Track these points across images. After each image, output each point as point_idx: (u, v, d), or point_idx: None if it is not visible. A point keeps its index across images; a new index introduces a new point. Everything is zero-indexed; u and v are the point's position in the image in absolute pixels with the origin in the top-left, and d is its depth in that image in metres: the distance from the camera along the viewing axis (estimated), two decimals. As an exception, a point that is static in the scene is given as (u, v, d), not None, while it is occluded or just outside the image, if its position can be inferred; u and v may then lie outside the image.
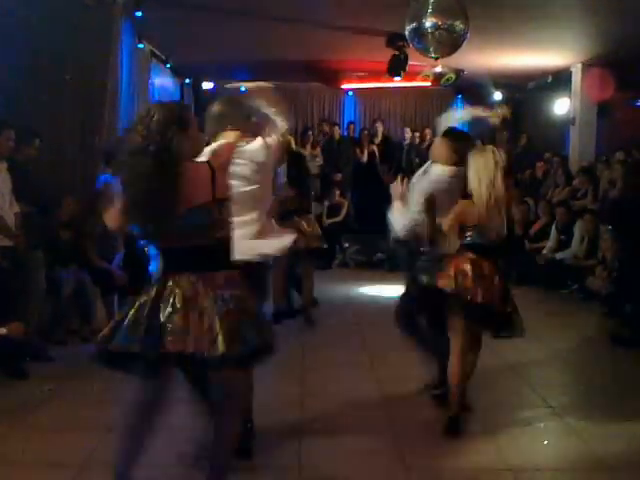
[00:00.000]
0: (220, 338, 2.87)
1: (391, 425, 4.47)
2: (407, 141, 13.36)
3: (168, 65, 11.95)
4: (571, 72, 12.04)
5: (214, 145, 3.40)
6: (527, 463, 3.97)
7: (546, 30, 9.21)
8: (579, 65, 11.73)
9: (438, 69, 12.28)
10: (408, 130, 13.49)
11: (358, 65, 12.73)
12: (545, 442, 4.33)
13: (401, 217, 4.49)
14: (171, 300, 2.92)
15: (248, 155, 3.78)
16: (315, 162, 12.12)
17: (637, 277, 6.81)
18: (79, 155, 7.80)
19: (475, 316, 4.23)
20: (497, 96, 13.76)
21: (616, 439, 4.28)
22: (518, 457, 4.03)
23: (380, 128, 13.40)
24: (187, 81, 13.60)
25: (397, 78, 10.98)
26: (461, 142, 4.62)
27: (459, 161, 4.48)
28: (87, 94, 7.90)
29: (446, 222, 4.21)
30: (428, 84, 13.39)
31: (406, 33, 7.34)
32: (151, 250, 6.00)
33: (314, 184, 8.10)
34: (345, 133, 13.80)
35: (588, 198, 9.99)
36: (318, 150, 12.67)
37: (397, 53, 10.27)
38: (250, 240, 3.72)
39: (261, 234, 3.79)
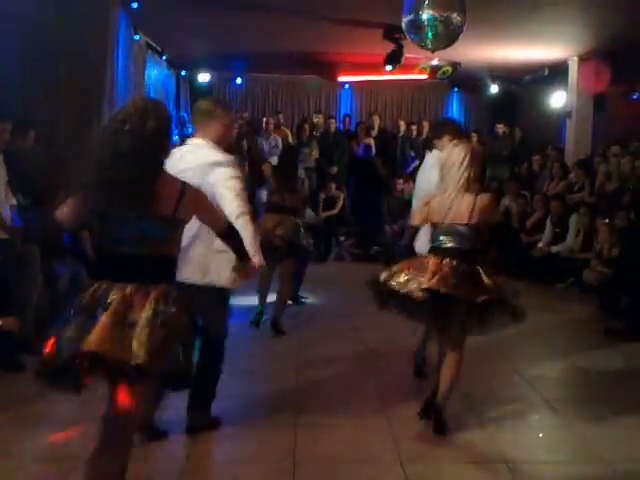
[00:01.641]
0: (142, 350, 2.68)
1: (388, 420, 4.47)
2: (401, 134, 13.31)
3: (164, 57, 11.92)
4: (568, 65, 12.03)
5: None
6: (522, 456, 3.99)
7: (543, 23, 9.20)
8: (575, 58, 11.72)
9: (435, 62, 12.26)
10: (402, 122, 13.44)
11: (355, 58, 12.70)
12: (540, 435, 4.36)
13: None
14: (99, 310, 2.74)
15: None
16: (311, 155, 12.12)
17: (635, 269, 6.86)
18: (75, 148, 7.77)
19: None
20: (493, 89, 13.77)
21: (611, 431, 4.30)
22: (513, 450, 4.04)
23: (377, 121, 13.37)
24: (183, 73, 13.59)
25: (388, 68, 10.90)
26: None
27: None
28: (83, 86, 7.88)
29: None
30: (425, 77, 13.37)
31: (403, 25, 7.32)
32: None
33: (305, 182, 8.03)
34: (341, 126, 13.77)
35: (585, 192, 10.01)
36: (314, 143, 12.64)
37: (395, 48, 10.24)
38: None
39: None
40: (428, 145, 5.34)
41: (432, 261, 4.13)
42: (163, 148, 2.92)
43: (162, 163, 2.90)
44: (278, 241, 6.43)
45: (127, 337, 2.70)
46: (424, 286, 4.01)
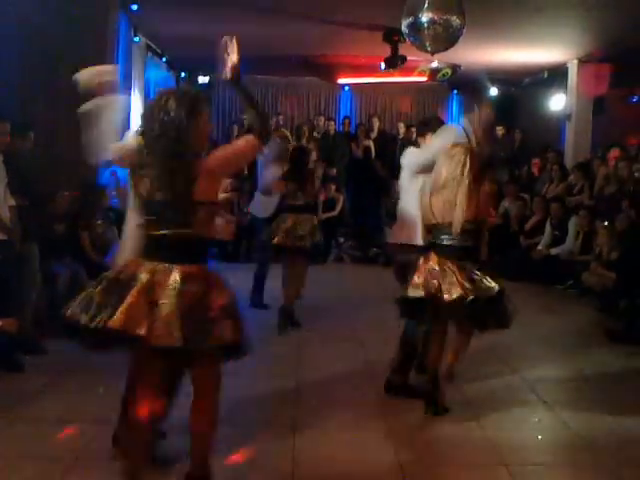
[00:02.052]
0: (177, 330, 2.85)
1: (387, 422, 4.46)
2: (401, 136, 13.29)
3: (164, 59, 11.93)
4: (567, 68, 12.05)
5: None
6: (521, 458, 3.97)
7: (542, 26, 9.22)
8: (575, 61, 11.75)
9: (434, 64, 12.27)
10: (402, 125, 13.42)
11: (354, 60, 12.71)
12: (539, 437, 4.34)
13: None
14: (131, 284, 2.92)
15: None
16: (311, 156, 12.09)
17: (636, 271, 6.88)
18: (74, 149, 7.77)
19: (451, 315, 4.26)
20: (493, 92, 13.78)
21: (611, 434, 4.29)
22: (512, 452, 4.03)
23: (376, 123, 13.37)
24: (183, 75, 13.59)
25: (382, 67, 10.90)
26: None
27: None
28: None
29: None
30: (424, 79, 13.39)
31: (402, 28, 7.33)
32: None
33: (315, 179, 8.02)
34: (340, 128, 13.78)
35: (584, 194, 10.01)
36: (313, 144, 12.63)
37: (393, 52, 10.25)
38: None
39: None
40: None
41: (448, 266, 4.17)
42: (189, 129, 2.98)
43: (188, 143, 2.98)
44: (298, 241, 6.51)
45: (152, 316, 2.85)
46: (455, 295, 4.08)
